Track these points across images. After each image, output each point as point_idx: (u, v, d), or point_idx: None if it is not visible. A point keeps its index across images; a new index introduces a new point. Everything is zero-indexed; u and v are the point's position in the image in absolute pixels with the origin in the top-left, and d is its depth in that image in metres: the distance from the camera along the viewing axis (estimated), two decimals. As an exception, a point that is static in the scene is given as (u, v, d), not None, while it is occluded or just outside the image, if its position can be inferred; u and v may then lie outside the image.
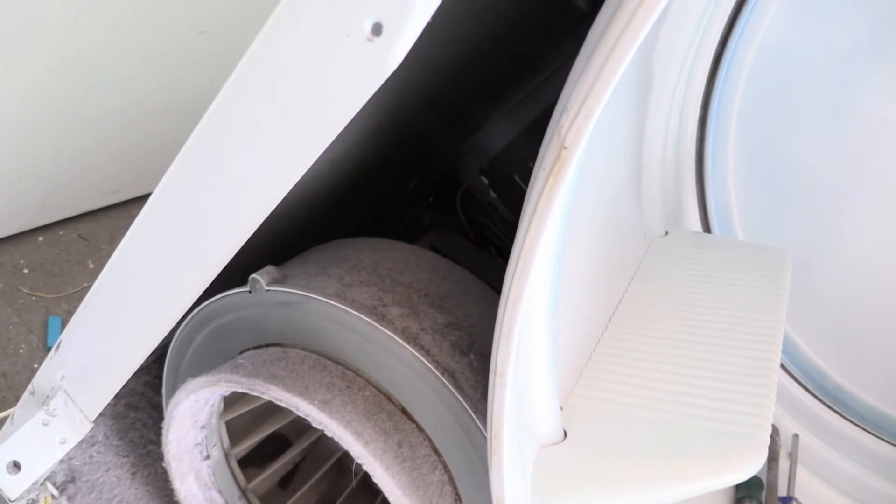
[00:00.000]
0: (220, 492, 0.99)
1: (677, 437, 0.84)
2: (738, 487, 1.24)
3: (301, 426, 1.11)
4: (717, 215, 1.38)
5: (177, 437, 0.93)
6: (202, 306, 0.90)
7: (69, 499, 0.97)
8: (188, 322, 0.93)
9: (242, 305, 0.87)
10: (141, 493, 1.04)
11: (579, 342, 0.90)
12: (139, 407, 1.10)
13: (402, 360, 0.79)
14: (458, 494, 0.82)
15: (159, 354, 1.13)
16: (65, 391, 0.77)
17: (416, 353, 0.78)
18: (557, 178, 0.55)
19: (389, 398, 0.81)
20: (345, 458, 1.15)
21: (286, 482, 1.12)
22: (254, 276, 0.84)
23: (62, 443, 0.77)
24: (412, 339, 0.79)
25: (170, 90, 1.59)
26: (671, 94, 1.16)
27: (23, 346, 1.21)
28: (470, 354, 0.82)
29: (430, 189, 1.35)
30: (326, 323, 0.82)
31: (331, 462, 1.11)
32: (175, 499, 0.98)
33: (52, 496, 0.93)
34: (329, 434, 0.76)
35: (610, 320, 0.97)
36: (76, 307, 0.81)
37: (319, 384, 0.79)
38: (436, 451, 0.81)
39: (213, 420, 0.95)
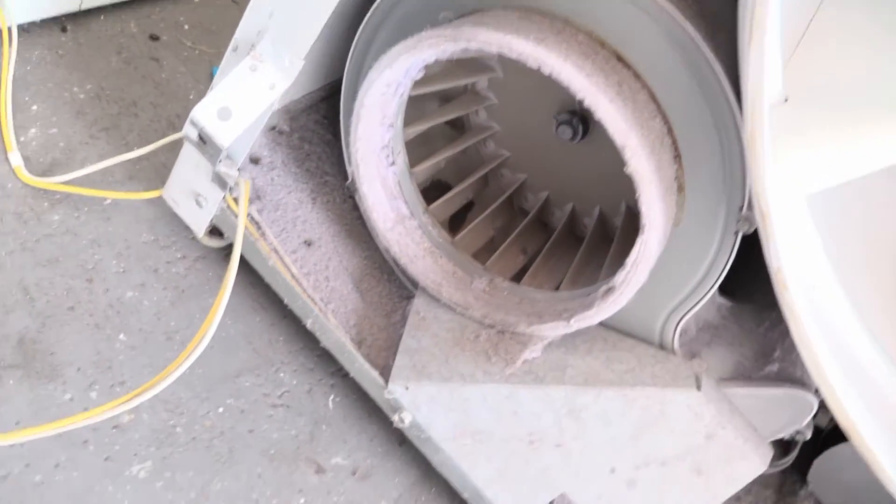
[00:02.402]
0: (405, 202, 0.98)
1: None
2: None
3: (466, 169, 1.09)
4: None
5: (364, 135, 0.91)
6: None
7: (258, 211, 0.98)
8: (368, 20, 0.89)
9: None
10: (322, 218, 1.04)
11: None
12: (312, 141, 1.09)
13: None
14: (677, 149, 0.76)
15: (331, 92, 1.12)
16: (271, 33, 0.74)
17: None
18: None
19: (603, 44, 0.76)
20: (515, 198, 1.12)
21: (456, 224, 1.09)
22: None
23: (271, 88, 0.75)
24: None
25: None
26: None
27: (192, 92, 1.22)
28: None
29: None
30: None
31: (504, 196, 1.08)
32: (362, 207, 0.97)
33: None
34: (546, 70, 0.72)
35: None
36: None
37: (529, 28, 0.74)
38: (654, 100, 0.75)
39: (399, 121, 0.92)
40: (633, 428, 0.85)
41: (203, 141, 0.78)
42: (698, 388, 0.84)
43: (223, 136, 0.76)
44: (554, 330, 0.87)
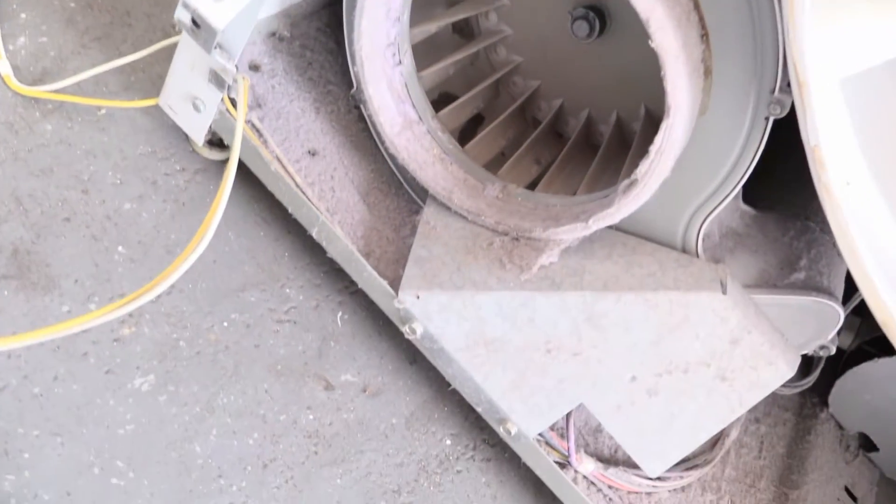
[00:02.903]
0: (413, 106, 0.93)
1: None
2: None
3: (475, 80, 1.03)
4: None
5: (369, 29, 0.85)
6: None
7: (259, 119, 0.93)
8: None
9: None
10: (326, 128, 0.99)
11: None
12: (314, 49, 1.04)
13: None
14: (704, 27, 0.71)
15: (331, 1, 1.07)
16: None
17: None
18: None
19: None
20: (527, 107, 1.07)
21: (468, 138, 1.05)
22: None
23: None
24: None
25: None
26: None
27: None
28: None
29: None
30: None
31: (517, 104, 1.03)
32: (368, 111, 0.92)
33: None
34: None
35: None
36: None
37: None
38: (681, -27, 0.70)
39: (405, 15, 0.87)
40: (655, 334, 0.81)
41: (196, 25, 0.73)
42: (724, 291, 0.80)
43: (217, 17, 0.71)
44: (572, 232, 0.83)
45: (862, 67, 0.73)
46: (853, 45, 0.71)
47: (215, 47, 0.75)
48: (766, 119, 0.72)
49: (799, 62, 0.60)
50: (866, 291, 0.67)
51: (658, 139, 0.71)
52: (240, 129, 0.79)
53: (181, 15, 0.73)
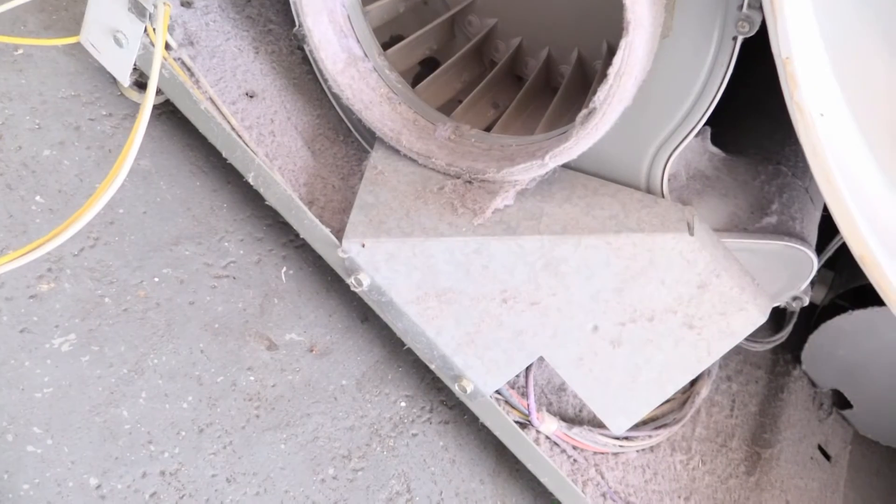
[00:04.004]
0: (358, 41, 0.86)
1: None
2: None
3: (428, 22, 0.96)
4: None
5: (307, -48, 0.78)
6: None
7: (191, 57, 0.85)
8: None
9: None
10: (266, 69, 0.92)
11: None
12: (253, -15, 0.97)
13: None
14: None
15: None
16: None
17: None
18: None
19: None
20: (485, 49, 1.00)
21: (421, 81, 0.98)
22: None
23: None
24: None
25: None
26: None
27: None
28: None
29: None
30: None
31: (472, 43, 0.96)
32: (308, 47, 0.85)
33: (169, 45, 0.81)
34: None
35: None
36: None
37: None
38: None
39: (347, -62, 0.80)
40: (618, 280, 0.75)
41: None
42: (691, 233, 0.74)
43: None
44: (527, 171, 0.76)
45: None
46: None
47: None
48: (735, 39, 0.66)
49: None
50: (842, 221, 0.62)
51: (617, 60, 0.65)
52: (158, 56, 0.71)
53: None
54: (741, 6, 0.64)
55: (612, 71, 0.66)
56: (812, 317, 1.12)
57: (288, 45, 0.96)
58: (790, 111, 0.60)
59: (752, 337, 1.08)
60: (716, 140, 0.86)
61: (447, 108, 0.92)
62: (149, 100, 0.68)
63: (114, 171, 0.65)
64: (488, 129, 0.91)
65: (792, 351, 1.16)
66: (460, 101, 0.97)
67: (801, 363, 1.14)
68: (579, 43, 0.92)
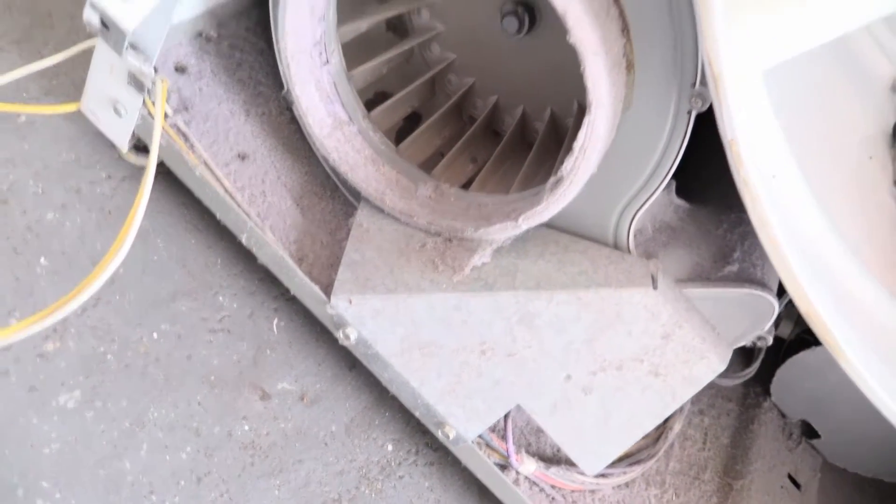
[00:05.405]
0: (343, 106, 0.91)
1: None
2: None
3: (410, 78, 1.02)
4: None
5: (293, 28, 0.84)
6: None
7: (185, 123, 0.91)
8: None
9: None
10: (257, 130, 0.97)
11: None
12: (244, 49, 1.02)
13: None
14: (625, 20, 0.71)
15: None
16: None
17: None
18: None
19: None
20: (464, 105, 1.06)
21: (405, 138, 1.03)
22: None
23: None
24: None
25: None
26: None
27: None
28: None
29: None
30: None
31: (451, 102, 1.02)
32: (297, 112, 0.91)
33: (166, 114, 0.86)
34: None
35: None
36: None
37: None
38: (599, -32, 0.69)
39: (331, 13, 0.85)
40: (588, 332, 0.81)
41: (106, 26, 0.71)
42: (654, 286, 0.80)
43: (126, 18, 0.69)
44: (503, 231, 0.82)
45: (783, 58, 0.73)
46: (774, 37, 0.71)
47: (127, 48, 0.72)
48: (689, 113, 0.72)
49: (713, 55, 0.60)
50: (789, 283, 0.68)
51: (581, 135, 0.71)
52: (157, 132, 0.76)
53: (89, 16, 0.71)
54: (694, 83, 0.70)
55: (576, 145, 0.72)
56: (780, 350, 1.18)
57: (277, 106, 1.01)
58: (737, 185, 0.66)
59: (723, 373, 1.14)
60: (681, 188, 0.92)
61: (430, 162, 0.98)
62: (149, 176, 0.73)
63: (115, 245, 0.70)
64: (468, 183, 0.96)
65: (762, 383, 1.21)
66: (442, 154, 1.03)
67: (770, 395, 1.20)
68: (551, 101, 0.98)
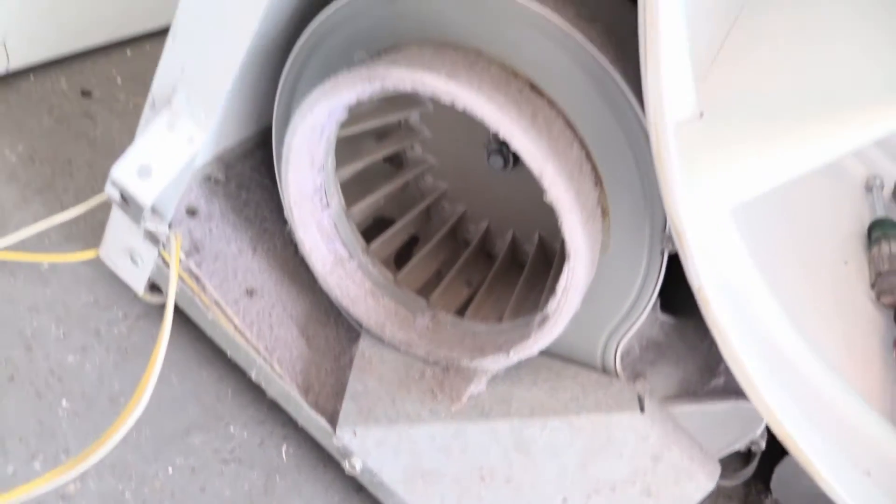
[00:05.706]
0: (343, 244, 0.98)
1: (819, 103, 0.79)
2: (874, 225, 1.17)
3: (407, 205, 1.09)
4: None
5: (295, 179, 0.91)
6: (306, 32, 0.86)
7: (196, 264, 0.97)
8: (290, 65, 0.90)
9: (349, 16, 0.83)
10: (264, 266, 1.04)
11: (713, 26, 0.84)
12: (250, 188, 1.09)
13: (529, 23, 0.74)
14: (597, 174, 0.77)
15: (265, 138, 1.12)
16: (185, 88, 0.75)
17: (545, 13, 0.72)
18: None
19: (516, 74, 0.77)
20: (458, 230, 1.13)
21: (404, 259, 1.09)
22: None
23: (189, 142, 0.75)
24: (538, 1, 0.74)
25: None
26: None
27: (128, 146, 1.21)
28: (596, 23, 0.77)
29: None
30: (440, 3, 0.77)
31: (446, 229, 1.09)
32: (300, 252, 0.97)
33: (181, 258, 0.93)
34: (460, 105, 0.73)
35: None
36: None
37: (442, 63, 0.75)
38: (571, 127, 0.76)
39: (329, 163, 0.93)
40: (581, 456, 0.85)
41: (125, 201, 0.78)
42: (642, 410, 0.84)
43: (144, 194, 0.76)
44: (495, 363, 0.87)
45: (750, 197, 0.79)
46: (737, 181, 0.77)
47: (144, 219, 0.79)
48: (662, 252, 0.78)
49: (674, 213, 0.65)
50: (766, 416, 0.72)
51: (562, 280, 0.77)
52: (172, 288, 0.82)
53: (111, 192, 0.78)
54: (664, 227, 0.76)
55: (559, 287, 0.77)
56: (779, 446, 1.21)
57: (282, 240, 1.08)
58: (707, 324, 0.71)
59: (723, 473, 1.17)
60: (667, 303, 0.97)
61: (429, 285, 1.04)
62: (165, 331, 0.79)
63: (134, 399, 0.75)
64: (463, 307, 1.02)
65: (763, 480, 1.23)
66: (439, 274, 1.08)
67: (771, 492, 1.22)
68: (539, 226, 1.04)
